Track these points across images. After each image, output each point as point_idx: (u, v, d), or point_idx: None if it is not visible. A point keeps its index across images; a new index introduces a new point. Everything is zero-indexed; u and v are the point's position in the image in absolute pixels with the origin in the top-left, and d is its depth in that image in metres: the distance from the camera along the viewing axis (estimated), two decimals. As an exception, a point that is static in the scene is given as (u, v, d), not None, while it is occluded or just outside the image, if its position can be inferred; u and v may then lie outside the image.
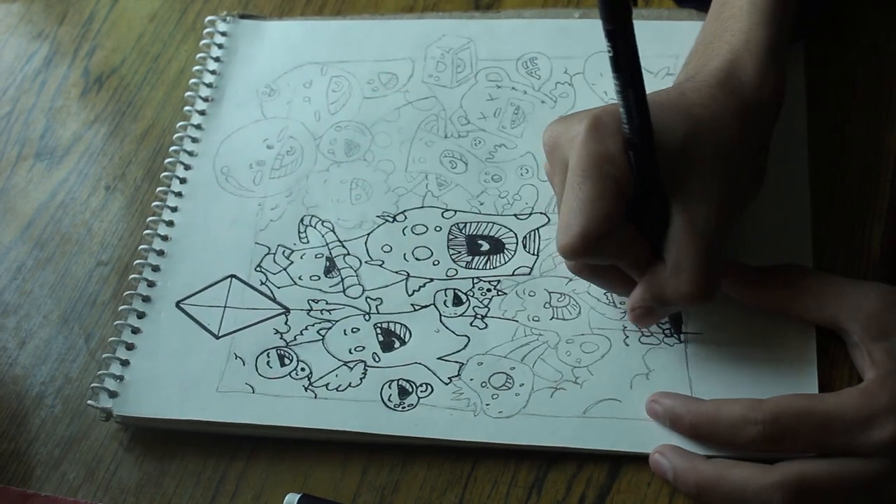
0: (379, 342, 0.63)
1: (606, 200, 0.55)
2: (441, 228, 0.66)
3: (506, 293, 0.63)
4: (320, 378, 0.62)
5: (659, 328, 0.61)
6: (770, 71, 0.60)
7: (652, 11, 0.72)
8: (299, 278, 0.65)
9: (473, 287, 0.64)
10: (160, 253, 0.67)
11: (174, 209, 0.69)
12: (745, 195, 0.59)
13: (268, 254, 0.66)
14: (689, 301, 0.56)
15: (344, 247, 0.66)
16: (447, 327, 0.63)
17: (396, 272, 0.65)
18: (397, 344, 0.63)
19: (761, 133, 0.60)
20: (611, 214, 0.55)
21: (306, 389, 0.61)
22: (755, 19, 0.61)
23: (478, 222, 0.66)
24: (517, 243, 0.65)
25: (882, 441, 0.53)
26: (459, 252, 0.65)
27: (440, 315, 0.63)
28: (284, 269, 0.66)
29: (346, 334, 0.63)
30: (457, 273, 0.64)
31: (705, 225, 0.56)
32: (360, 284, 0.65)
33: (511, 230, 0.66)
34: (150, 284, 0.66)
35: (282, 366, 0.62)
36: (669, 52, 0.70)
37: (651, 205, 0.56)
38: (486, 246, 0.65)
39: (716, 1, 0.65)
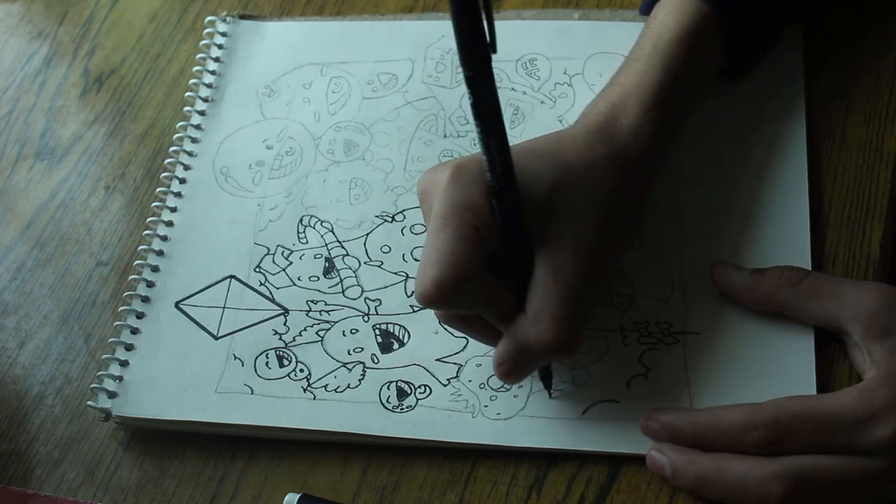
0: (378, 343, 0.63)
1: (463, 249, 0.53)
2: (440, 229, 0.66)
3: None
4: (319, 379, 0.62)
5: (658, 328, 0.61)
6: (651, 118, 0.59)
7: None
8: (298, 279, 0.65)
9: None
10: (160, 253, 0.67)
11: (174, 209, 0.69)
12: (615, 245, 0.58)
13: (267, 254, 0.67)
14: (552, 350, 0.55)
15: (343, 247, 0.66)
16: (446, 329, 0.63)
17: (395, 273, 0.65)
18: (396, 345, 0.63)
19: (635, 182, 0.59)
20: (466, 263, 0.54)
21: (305, 390, 0.61)
22: (652, 62, 0.61)
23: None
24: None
25: (883, 439, 0.53)
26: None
27: (439, 316, 0.63)
28: (283, 270, 0.66)
29: (344, 335, 0.63)
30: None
31: (568, 273, 0.54)
32: (359, 285, 0.65)
33: None
34: (150, 285, 0.66)
35: (281, 367, 0.62)
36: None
37: (515, 253, 0.55)
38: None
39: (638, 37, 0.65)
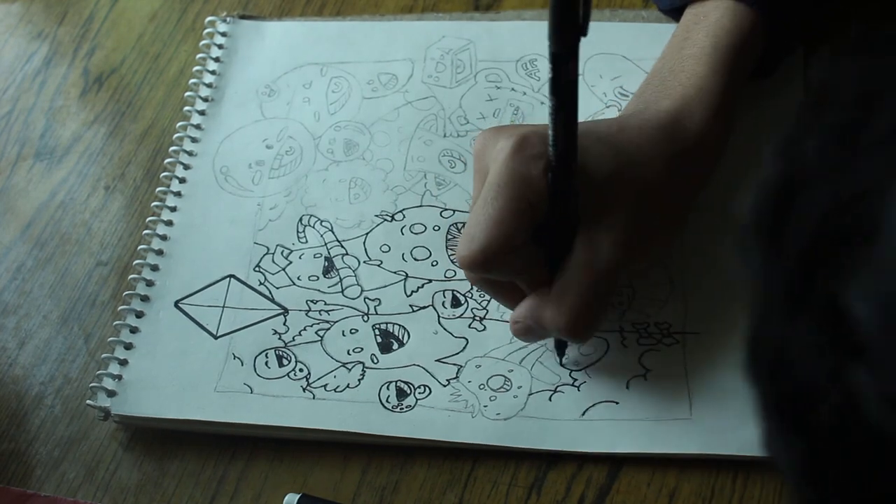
0: (377, 344, 0.63)
1: (514, 221, 0.54)
2: (440, 228, 0.66)
3: (503, 296, 0.63)
4: (318, 379, 0.62)
5: (657, 328, 0.61)
6: (716, 123, 0.60)
7: (651, 13, 0.72)
8: (298, 278, 0.65)
9: (472, 288, 0.64)
10: (159, 253, 0.67)
11: (173, 209, 0.69)
12: (656, 241, 0.59)
13: (266, 254, 0.67)
14: (563, 332, 0.56)
15: (342, 247, 0.66)
16: (445, 329, 0.63)
17: (395, 272, 0.65)
18: (395, 345, 0.63)
19: (692, 182, 0.60)
20: (515, 235, 0.54)
21: (304, 390, 0.61)
22: (714, 66, 0.61)
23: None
24: (516, 244, 0.65)
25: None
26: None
27: (438, 316, 0.63)
28: (283, 270, 0.66)
29: (344, 335, 0.63)
30: (455, 274, 0.64)
31: (601, 263, 0.55)
32: (358, 285, 0.65)
33: None
34: (149, 284, 0.66)
35: (280, 366, 0.62)
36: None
37: (559, 230, 0.56)
38: (485, 247, 0.65)
39: (679, 32, 0.64)
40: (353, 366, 0.62)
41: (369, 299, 0.64)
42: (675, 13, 0.68)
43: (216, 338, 0.64)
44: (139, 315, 0.65)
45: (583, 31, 0.49)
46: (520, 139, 0.55)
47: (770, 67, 0.67)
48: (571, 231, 0.56)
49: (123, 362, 0.63)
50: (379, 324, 0.63)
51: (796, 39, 0.67)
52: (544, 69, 0.71)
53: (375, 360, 0.62)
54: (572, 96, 0.51)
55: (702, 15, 0.64)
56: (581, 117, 0.68)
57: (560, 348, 0.60)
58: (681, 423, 0.58)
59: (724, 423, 0.58)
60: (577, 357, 0.61)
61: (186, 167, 0.70)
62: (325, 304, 0.64)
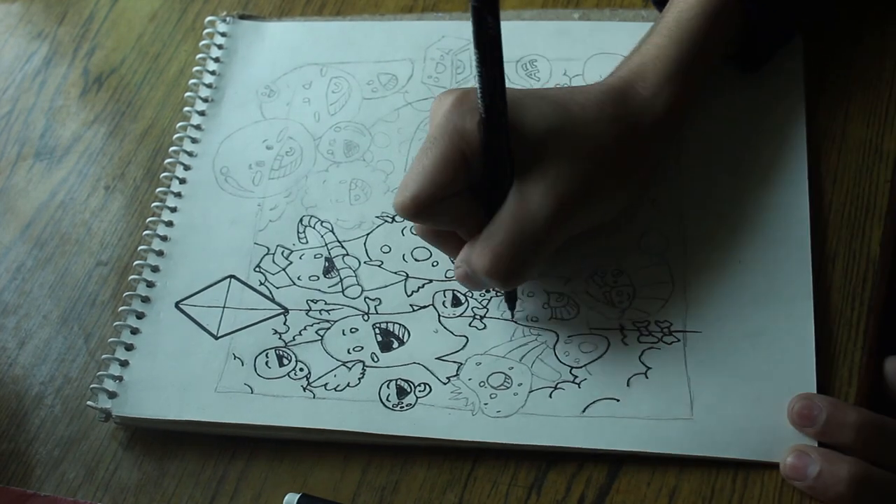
0: (377, 342, 0.63)
1: (445, 171, 0.55)
2: (440, 228, 0.66)
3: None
4: (319, 378, 0.62)
5: (658, 327, 0.61)
6: (669, 90, 0.61)
7: (651, 12, 0.72)
8: (298, 279, 0.65)
9: (473, 287, 0.64)
10: (159, 253, 0.67)
11: (174, 209, 0.69)
12: (593, 208, 0.59)
13: (267, 254, 0.67)
14: (484, 274, 0.57)
15: (343, 247, 0.66)
16: (446, 328, 0.63)
17: (395, 273, 0.65)
18: (396, 344, 0.63)
19: (642, 147, 0.60)
20: (446, 184, 0.55)
21: (305, 389, 0.61)
22: (673, 36, 0.62)
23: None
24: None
25: None
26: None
27: (439, 316, 0.63)
28: (283, 270, 0.66)
29: (344, 334, 0.63)
30: (455, 274, 0.65)
31: (533, 212, 0.56)
32: (358, 285, 0.65)
33: None
34: (150, 285, 0.66)
35: (280, 366, 0.62)
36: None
37: (493, 182, 0.57)
38: (485, 246, 0.65)
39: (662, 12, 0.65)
40: (354, 365, 0.62)
41: (370, 299, 0.64)
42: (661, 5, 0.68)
43: (217, 338, 0.64)
44: (139, 316, 0.65)
45: None
46: (461, 94, 0.57)
47: (751, 59, 0.67)
48: (506, 184, 0.57)
49: (124, 363, 0.63)
50: (379, 323, 0.63)
51: (788, 28, 0.67)
52: (544, 69, 0.71)
53: (375, 359, 0.62)
54: (494, 50, 0.52)
55: None
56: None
57: (510, 300, 0.62)
58: (682, 422, 0.58)
59: (725, 424, 0.58)
60: (578, 355, 0.61)
61: (186, 167, 0.70)
62: (326, 303, 0.64)
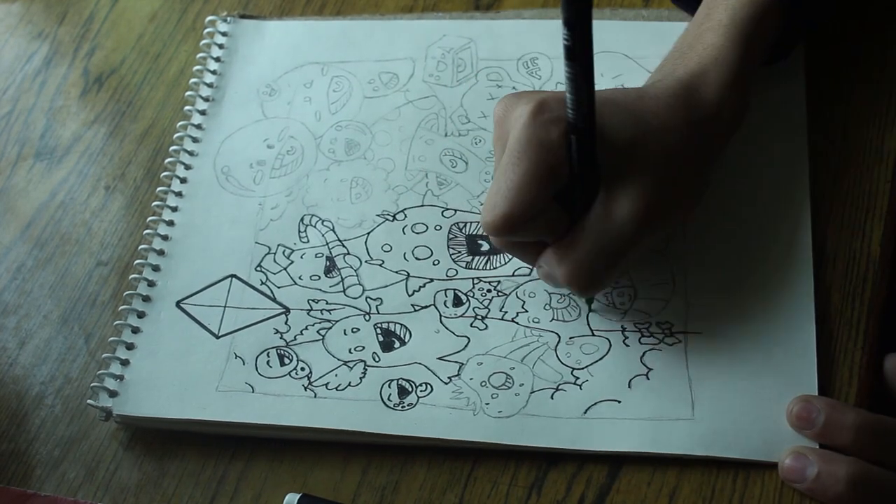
0: (379, 342, 0.63)
1: (535, 186, 0.55)
2: (441, 227, 0.66)
3: (506, 294, 0.63)
4: (320, 378, 0.62)
5: (659, 328, 0.61)
6: (732, 92, 0.60)
7: (652, 12, 0.72)
8: (299, 278, 0.65)
9: (473, 288, 0.64)
10: (160, 252, 0.67)
11: (174, 209, 0.69)
12: (673, 210, 0.59)
13: (268, 253, 0.66)
14: (563, 282, 0.57)
15: (344, 246, 0.66)
16: (447, 328, 0.63)
17: (396, 272, 0.65)
18: (397, 344, 0.63)
19: (710, 151, 0.60)
20: (536, 200, 0.55)
21: (306, 389, 0.61)
22: (731, 36, 0.61)
23: (478, 222, 0.66)
24: (517, 244, 0.65)
25: None
26: (459, 252, 0.65)
27: (440, 315, 0.63)
28: (284, 269, 0.66)
29: (345, 334, 0.63)
30: (457, 273, 0.64)
31: (618, 224, 0.56)
32: (360, 284, 0.65)
33: None
34: (151, 284, 0.66)
35: (281, 365, 0.62)
36: (670, 52, 0.70)
37: (581, 193, 0.56)
38: (486, 246, 0.65)
39: (703, 6, 0.65)
40: (355, 364, 0.62)
41: (371, 299, 0.64)
42: (687, 3, 0.68)
43: (218, 337, 0.64)
44: (140, 315, 0.65)
45: None
46: (538, 104, 0.56)
47: (783, 51, 0.67)
48: (593, 194, 0.56)
49: (125, 362, 0.63)
50: (380, 323, 0.63)
51: (812, 23, 0.67)
52: (545, 68, 0.71)
53: (377, 359, 0.62)
54: (590, 58, 0.52)
55: None
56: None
57: (587, 300, 0.62)
58: (683, 423, 0.58)
59: (726, 425, 0.58)
60: (579, 356, 0.61)
61: (187, 167, 0.70)
62: (327, 303, 0.64)
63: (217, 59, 0.75)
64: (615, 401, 0.59)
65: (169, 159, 0.71)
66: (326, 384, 0.61)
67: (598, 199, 0.56)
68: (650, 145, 0.57)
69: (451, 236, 0.66)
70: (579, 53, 0.52)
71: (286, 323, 0.64)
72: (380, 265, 0.65)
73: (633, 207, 0.56)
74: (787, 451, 0.57)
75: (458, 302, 0.64)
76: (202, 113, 0.73)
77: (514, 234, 0.56)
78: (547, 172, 0.55)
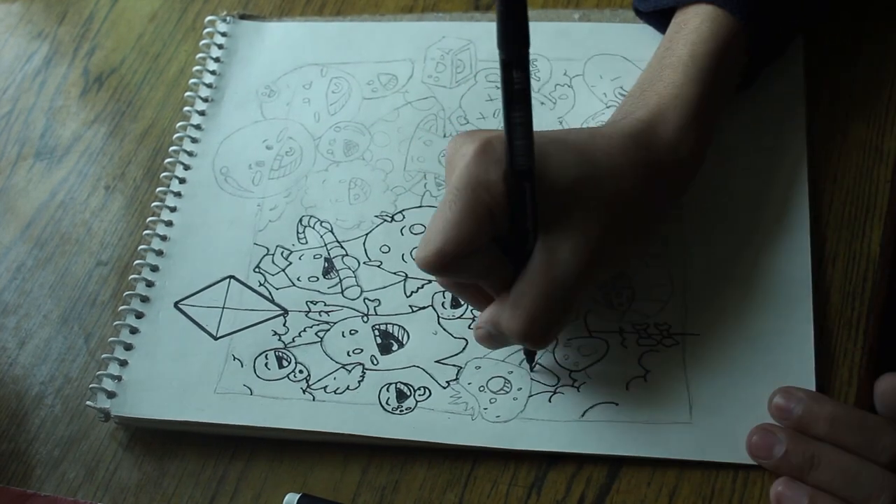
0: (377, 344, 0.63)
1: (470, 225, 0.54)
2: (440, 229, 0.66)
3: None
4: (319, 380, 0.62)
5: (657, 329, 0.61)
6: (691, 132, 0.59)
7: (651, 12, 0.72)
8: (298, 279, 0.65)
9: (472, 289, 0.64)
10: (159, 253, 0.67)
11: (173, 209, 0.69)
12: (621, 254, 0.58)
13: (266, 254, 0.66)
14: (518, 339, 0.56)
15: (342, 247, 0.66)
16: (445, 329, 0.63)
17: (395, 273, 0.65)
18: (395, 346, 0.63)
19: (664, 194, 0.59)
20: (470, 239, 0.54)
21: (304, 391, 0.61)
22: (690, 74, 0.60)
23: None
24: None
25: None
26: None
27: (438, 317, 0.63)
28: (283, 270, 0.66)
29: (344, 336, 0.63)
30: (455, 275, 0.64)
31: (558, 271, 0.54)
32: (358, 286, 0.65)
33: None
34: (149, 285, 0.66)
35: (280, 367, 0.62)
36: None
37: (520, 237, 0.55)
38: (484, 247, 0.65)
39: (663, 42, 0.64)
40: (353, 367, 0.62)
41: (369, 300, 0.64)
42: (654, 19, 0.67)
43: (216, 339, 0.64)
44: (139, 316, 0.65)
45: (526, 42, 0.49)
46: (483, 144, 0.55)
47: (750, 79, 0.66)
48: (533, 237, 0.55)
49: (123, 363, 0.63)
50: (378, 324, 0.63)
51: (778, 51, 0.67)
52: (544, 69, 0.71)
53: (375, 362, 0.62)
54: (523, 104, 0.51)
55: (682, 23, 0.63)
56: (581, 117, 0.69)
57: (529, 355, 0.60)
58: (681, 426, 0.58)
59: (724, 428, 0.58)
60: (577, 358, 0.61)
61: (186, 167, 0.70)
62: (325, 304, 0.64)
63: (216, 60, 0.75)
64: (613, 403, 0.59)
65: (168, 159, 0.71)
66: (325, 387, 0.61)
67: (539, 246, 0.55)
68: (595, 186, 0.56)
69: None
70: (515, 96, 0.51)
71: (284, 325, 0.64)
72: (378, 266, 0.65)
73: (575, 253, 0.55)
74: (755, 428, 0.57)
75: (456, 303, 0.63)
76: (201, 113, 0.73)
77: (448, 272, 0.55)
78: (483, 212, 0.54)
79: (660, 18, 0.67)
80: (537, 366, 0.61)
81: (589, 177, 0.56)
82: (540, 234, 0.55)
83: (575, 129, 0.60)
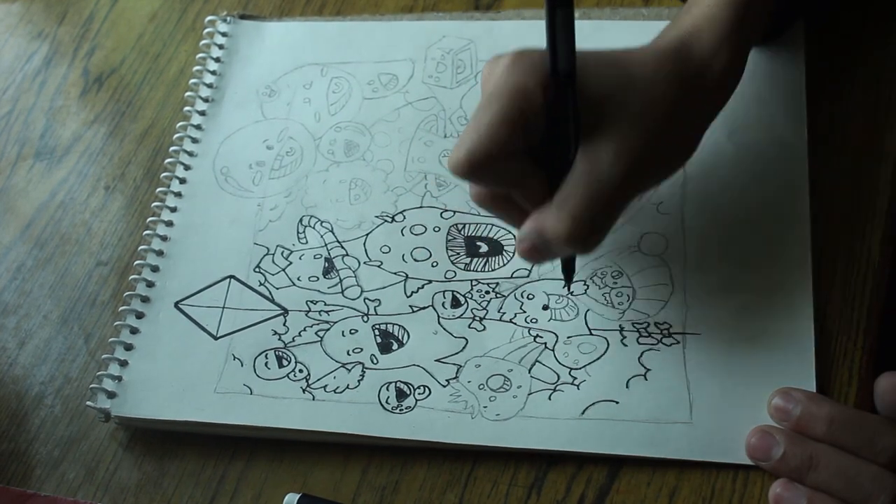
0: (377, 344, 0.63)
1: (503, 128, 0.54)
2: (440, 229, 0.66)
3: (504, 295, 0.63)
4: (318, 380, 0.62)
5: (657, 328, 0.61)
6: (725, 48, 0.59)
7: (652, 11, 0.72)
8: (298, 279, 0.65)
9: (472, 289, 0.64)
10: (159, 253, 0.67)
11: (173, 209, 0.69)
12: (660, 166, 0.58)
13: (267, 254, 0.67)
14: (565, 241, 0.55)
15: (342, 247, 0.66)
16: (445, 329, 0.63)
17: (395, 273, 0.65)
18: (395, 346, 0.63)
19: (701, 108, 0.59)
20: (503, 141, 0.54)
21: (304, 391, 0.61)
22: None
23: (476, 223, 0.66)
24: (516, 245, 0.65)
25: None
26: (458, 253, 0.65)
27: (438, 317, 0.63)
28: (283, 270, 0.66)
29: (344, 336, 0.63)
30: (455, 275, 0.64)
31: (603, 174, 0.54)
32: (358, 285, 0.65)
33: (510, 232, 0.65)
34: (150, 285, 0.66)
35: (280, 367, 0.62)
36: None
37: (560, 142, 0.55)
38: (484, 247, 0.65)
39: None
40: (353, 366, 0.62)
41: (369, 300, 0.64)
42: None
43: (216, 338, 0.64)
44: (139, 316, 0.65)
45: None
46: (518, 53, 0.55)
47: (780, 26, 0.66)
48: (573, 148, 0.55)
49: (123, 363, 0.63)
50: (378, 324, 0.63)
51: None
52: (544, 69, 0.71)
53: (375, 361, 0.62)
54: (567, 3, 0.51)
55: None
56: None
57: (568, 269, 0.60)
58: (681, 426, 0.58)
59: (724, 428, 0.58)
60: (577, 356, 0.61)
61: (186, 167, 0.70)
62: (325, 304, 0.64)
63: (217, 60, 0.75)
64: (613, 401, 0.59)
65: (168, 159, 0.71)
66: (325, 386, 0.61)
67: (580, 154, 0.55)
68: (633, 96, 0.56)
69: (449, 238, 0.66)
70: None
71: (284, 324, 0.64)
72: (378, 266, 0.65)
73: (617, 158, 0.55)
74: (753, 430, 0.57)
75: (456, 303, 0.64)
76: (202, 113, 0.73)
77: (478, 176, 0.55)
78: (518, 116, 0.54)
79: None
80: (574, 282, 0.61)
81: (626, 86, 0.56)
82: (581, 141, 0.55)
83: (611, 49, 0.59)
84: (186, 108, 0.73)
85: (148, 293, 0.66)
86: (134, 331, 0.64)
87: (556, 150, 0.55)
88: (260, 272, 0.66)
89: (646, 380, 0.60)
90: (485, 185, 0.57)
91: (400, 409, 0.60)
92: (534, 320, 0.62)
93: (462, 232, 0.66)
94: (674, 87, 0.57)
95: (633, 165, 0.55)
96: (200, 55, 0.75)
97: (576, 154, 0.55)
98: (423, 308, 0.63)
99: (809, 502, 0.55)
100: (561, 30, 0.52)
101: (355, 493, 0.59)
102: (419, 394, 0.61)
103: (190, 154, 0.71)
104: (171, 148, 0.72)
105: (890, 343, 0.63)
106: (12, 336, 0.67)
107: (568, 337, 0.61)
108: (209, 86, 0.74)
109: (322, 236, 0.67)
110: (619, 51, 0.58)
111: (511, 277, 0.64)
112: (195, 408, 0.61)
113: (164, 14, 0.79)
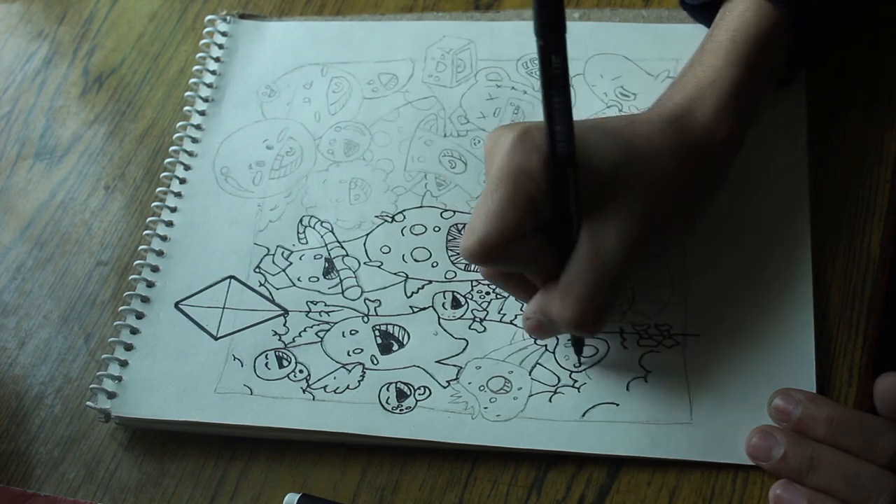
0: (377, 344, 0.63)
1: (513, 213, 0.54)
2: (440, 229, 0.66)
3: (505, 296, 0.63)
4: (319, 380, 0.62)
5: (657, 330, 0.61)
6: (728, 115, 0.59)
7: (652, 13, 0.72)
8: (298, 279, 0.65)
9: (472, 290, 0.64)
10: (159, 253, 0.67)
11: (173, 209, 0.69)
12: (664, 239, 0.59)
13: (267, 255, 0.66)
14: (569, 327, 0.56)
15: (343, 248, 0.66)
16: (445, 330, 0.63)
17: (395, 273, 0.65)
18: (395, 346, 0.63)
19: (706, 177, 0.59)
20: (514, 227, 0.54)
21: (304, 391, 0.61)
22: (730, 57, 0.60)
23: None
24: (516, 245, 0.65)
25: None
26: (458, 254, 0.65)
27: (439, 318, 0.63)
28: (283, 271, 0.66)
29: (344, 336, 0.63)
30: (455, 276, 0.64)
31: (607, 256, 0.55)
32: (358, 286, 0.65)
33: None
34: (150, 285, 0.66)
35: (280, 367, 0.62)
36: (670, 55, 0.70)
37: (563, 224, 0.55)
38: (485, 248, 0.65)
39: (709, 30, 0.64)
40: (353, 367, 0.62)
41: (369, 300, 0.64)
42: (702, 14, 0.67)
43: (216, 339, 0.64)
44: (139, 316, 0.65)
45: (563, 27, 0.49)
46: (522, 132, 0.55)
47: (791, 74, 0.66)
48: (576, 223, 0.55)
49: (123, 363, 0.63)
50: (379, 325, 0.63)
51: (822, 46, 0.66)
52: (544, 69, 0.71)
53: (375, 362, 0.62)
54: (562, 89, 0.51)
55: (727, 11, 0.63)
56: (581, 117, 0.68)
57: (577, 345, 0.61)
58: (681, 427, 0.58)
59: (724, 428, 0.58)
60: (576, 358, 0.61)
61: (187, 167, 0.70)
62: (326, 305, 0.64)
63: (217, 60, 0.75)
64: (613, 403, 0.59)
65: (168, 159, 0.71)
66: (325, 387, 0.61)
67: (584, 233, 0.55)
68: (636, 171, 0.56)
69: (449, 238, 0.66)
70: (554, 81, 0.50)
71: (285, 325, 0.64)
72: (378, 267, 0.65)
73: (620, 239, 0.55)
74: (754, 430, 0.57)
75: (456, 304, 0.64)
76: (202, 113, 0.73)
77: (493, 261, 0.55)
78: (525, 199, 0.54)
79: (707, 13, 0.66)
80: (585, 358, 0.61)
81: (629, 162, 0.56)
82: (584, 220, 0.55)
83: (613, 116, 0.60)
84: (186, 108, 0.73)
85: (148, 293, 0.66)
86: (134, 331, 0.64)
87: (561, 228, 0.56)
88: (260, 272, 0.66)
89: (646, 382, 0.60)
90: (498, 268, 0.58)
91: (400, 410, 0.60)
92: (534, 321, 0.62)
93: (462, 232, 0.66)
94: (678, 160, 0.57)
95: (636, 243, 0.55)
96: (200, 55, 0.75)
97: (579, 231, 0.55)
98: (424, 309, 0.63)
99: (809, 503, 0.55)
100: (558, 114, 0.52)
101: (355, 493, 0.59)
102: (419, 394, 0.61)
103: (190, 154, 0.71)
104: (171, 148, 0.72)
105: (890, 343, 0.63)
106: (12, 336, 0.67)
107: (568, 339, 0.61)
108: (209, 86, 0.74)
109: (322, 236, 0.67)
110: (622, 119, 0.58)
111: (511, 278, 0.64)
112: (195, 408, 0.61)
113: (164, 14, 0.79)
